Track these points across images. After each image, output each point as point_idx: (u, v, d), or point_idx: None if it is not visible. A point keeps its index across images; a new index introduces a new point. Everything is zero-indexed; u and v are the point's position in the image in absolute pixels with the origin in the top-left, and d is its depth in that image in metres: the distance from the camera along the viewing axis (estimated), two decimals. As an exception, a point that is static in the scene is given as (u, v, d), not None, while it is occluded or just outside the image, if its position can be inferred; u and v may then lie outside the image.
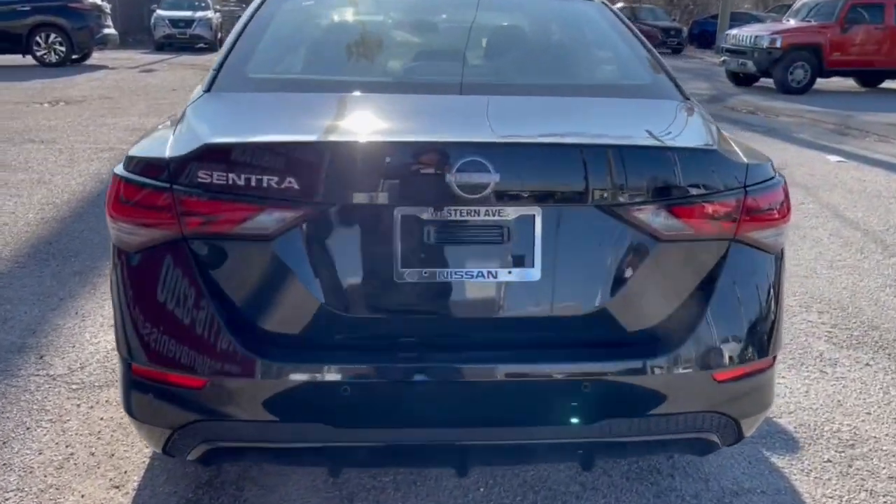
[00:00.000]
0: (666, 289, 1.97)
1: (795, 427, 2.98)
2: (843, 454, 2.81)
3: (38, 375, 3.19)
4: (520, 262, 1.90)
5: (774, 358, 2.11)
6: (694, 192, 1.93)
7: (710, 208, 1.95)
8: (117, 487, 2.51)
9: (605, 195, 1.90)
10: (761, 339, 2.04)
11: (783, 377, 3.40)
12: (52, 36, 15.57)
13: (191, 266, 1.85)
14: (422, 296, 1.89)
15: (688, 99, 2.42)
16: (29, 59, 15.75)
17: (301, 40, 2.73)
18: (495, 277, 1.90)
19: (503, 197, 1.85)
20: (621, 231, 1.92)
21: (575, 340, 1.95)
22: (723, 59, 16.51)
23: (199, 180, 1.81)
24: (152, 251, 1.88)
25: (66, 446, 2.72)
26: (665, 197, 1.92)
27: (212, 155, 1.82)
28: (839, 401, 3.21)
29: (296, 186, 1.80)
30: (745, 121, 11.34)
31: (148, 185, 1.86)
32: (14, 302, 3.92)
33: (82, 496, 2.46)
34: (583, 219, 1.92)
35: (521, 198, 1.87)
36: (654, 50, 2.66)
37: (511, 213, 1.87)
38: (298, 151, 1.83)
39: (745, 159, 2.03)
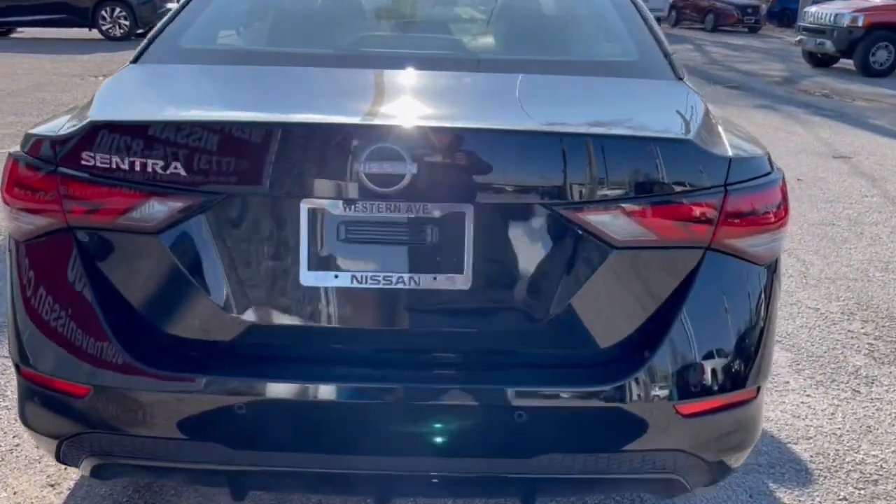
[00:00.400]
0: (622, 304, 1.67)
1: (812, 455, 2.63)
2: (862, 491, 2.45)
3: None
4: (447, 267, 1.62)
5: (759, 389, 1.78)
6: (659, 189, 1.62)
7: (678, 210, 1.63)
8: (52, 486, 2.36)
9: (549, 192, 1.61)
10: (741, 366, 1.72)
11: (808, 395, 3.02)
12: (117, 10, 15.85)
13: (76, 261, 1.64)
14: (332, 303, 1.64)
15: (680, 79, 2.08)
16: (95, 33, 16.06)
17: (249, 9, 2.49)
18: (417, 284, 1.63)
19: (425, 191, 1.58)
20: (568, 234, 1.63)
21: (510, 361, 1.68)
22: (799, 38, 15.54)
23: (84, 163, 1.60)
24: (40, 241, 1.69)
25: (14, 437, 2.60)
26: (623, 195, 1.62)
27: (97, 134, 1.60)
28: (869, 427, 2.82)
29: (186, 173, 1.57)
30: (816, 104, 10.62)
31: (35, 167, 1.66)
32: None
33: (14, 492, 2.33)
34: (522, 219, 1.64)
35: (447, 192, 1.60)
36: (654, 25, 2.31)
37: (437, 209, 1.60)
38: (190, 132, 1.59)
39: (728, 152, 1.70)
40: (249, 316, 1.63)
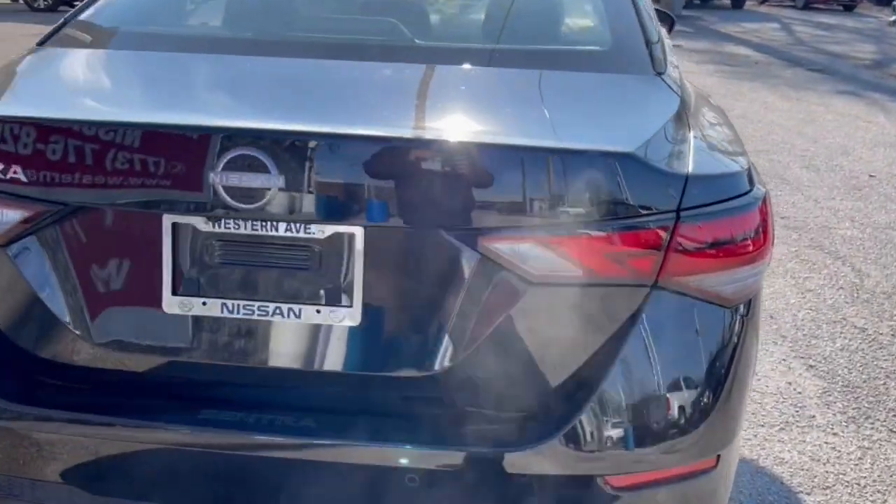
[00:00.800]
0: (542, 352, 1.37)
1: (826, 510, 2.26)
2: (879, 561, 2.09)
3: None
4: (333, 298, 1.36)
5: (719, 458, 1.45)
6: (589, 214, 1.30)
7: (613, 239, 1.31)
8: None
9: (455, 214, 1.31)
10: (694, 430, 1.39)
11: (835, 433, 2.64)
12: None
13: None
14: (198, 335, 1.40)
15: (659, 73, 1.71)
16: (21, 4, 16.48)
17: None
18: (298, 317, 1.37)
19: (303, 208, 1.31)
20: (477, 267, 1.33)
21: (404, 414, 1.40)
22: (894, 18, 14.44)
23: None
24: None
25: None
26: (544, 221, 1.31)
27: None
28: (901, 478, 2.43)
29: (35, 178, 1.35)
30: (904, 91, 9.77)
31: None
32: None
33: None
34: (422, 246, 1.36)
35: (333, 211, 1.33)
36: (644, 6, 1.95)
37: (321, 230, 1.34)
38: (42, 133, 1.36)
39: (687, 168, 1.36)
40: (106, 345, 1.41)
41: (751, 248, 1.40)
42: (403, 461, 1.35)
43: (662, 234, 1.32)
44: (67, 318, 1.40)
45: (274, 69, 1.73)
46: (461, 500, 1.36)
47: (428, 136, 1.39)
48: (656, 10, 3.12)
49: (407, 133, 1.40)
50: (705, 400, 1.39)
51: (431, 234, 1.33)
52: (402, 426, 1.38)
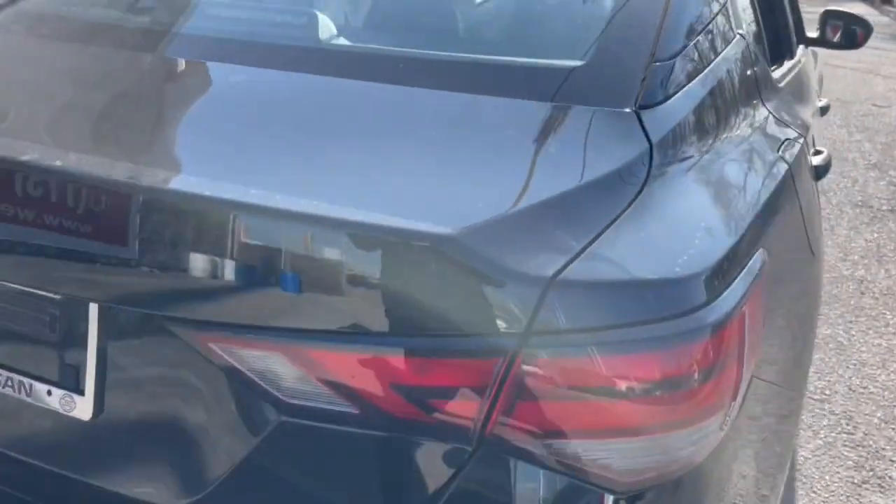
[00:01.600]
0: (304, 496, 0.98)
1: None
2: None
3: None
4: (66, 379, 1.06)
5: None
6: (379, 324, 0.90)
7: (414, 366, 0.90)
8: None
9: (199, 304, 0.98)
10: None
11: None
12: None
13: None
14: None
15: (640, 108, 1.14)
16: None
17: None
18: (29, 395, 1.07)
19: (35, 262, 1.04)
20: (221, 376, 0.97)
21: None
22: None
23: None
24: None
25: None
26: (305, 323, 0.93)
27: None
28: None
29: None
30: None
31: None
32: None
33: None
34: (163, 337, 1.00)
35: (66, 271, 1.04)
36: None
37: (56, 291, 1.05)
38: None
39: (558, 271, 0.87)
40: None
41: (669, 400, 0.88)
42: None
43: (494, 366, 0.87)
44: None
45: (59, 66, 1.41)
46: None
47: (185, 187, 1.00)
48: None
49: (152, 178, 1.01)
50: None
51: (171, 325, 0.99)
52: None
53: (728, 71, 1.35)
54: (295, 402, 0.92)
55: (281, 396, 0.93)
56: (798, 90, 1.94)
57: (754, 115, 1.38)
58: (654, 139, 1.09)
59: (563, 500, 0.89)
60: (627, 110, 1.13)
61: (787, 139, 1.44)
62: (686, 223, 1.02)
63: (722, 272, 0.94)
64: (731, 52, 1.40)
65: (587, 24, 1.40)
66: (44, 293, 1.05)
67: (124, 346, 1.04)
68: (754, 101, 1.42)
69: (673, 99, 1.18)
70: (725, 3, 1.45)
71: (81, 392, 1.05)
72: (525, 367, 0.85)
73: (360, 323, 0.89)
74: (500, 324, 0.86)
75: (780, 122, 1.50)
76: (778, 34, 2.11)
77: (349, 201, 0.92)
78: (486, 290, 0.86)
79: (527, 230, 0.91)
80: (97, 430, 1.05)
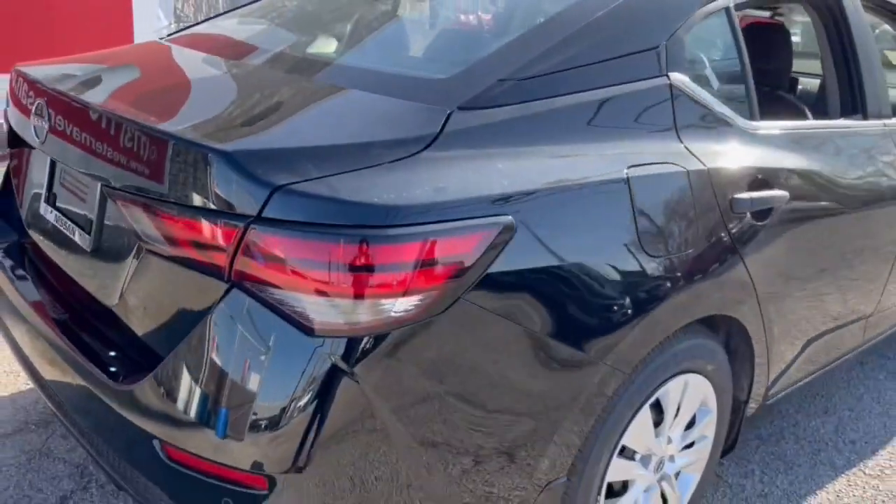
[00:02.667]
0: (152, 312, 1.52)
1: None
2: None
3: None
4: (85, 225, 1.68)
5: (273, 482, 1.32)
6: (186, 198, 1.36)
7: (195, 226, 1.36)
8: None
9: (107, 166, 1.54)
10: (235, 438, 1.31)
11: None
12: None
13: None
14: None
15: (463, 109, 1.48)
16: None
17: None
18: (72, 233, 1.74)
19: None
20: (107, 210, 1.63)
21: None
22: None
23: None
24: None
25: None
26: (155, 192, 1.41)
27: None
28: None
29: None
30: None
31: None
32: None
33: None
34: (118, 205, 1.53)
35: (91, 163, 1.62)
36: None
37: (89, 172, 1.63)
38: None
39: (283, 181, 1.27)
40: None
41: (338, 281, 1.26)
42: None
43: (234, 234, 1.29)
44: None
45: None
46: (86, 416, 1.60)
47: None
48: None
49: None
50: (248, 414, 1.31)
51: (118, 196, 1.51)
52: None
53: (593, 98, 1.62)
54: (149, 246, 1.45)
55: (143, 238, 1.45)
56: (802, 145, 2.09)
57: (611, 141, 1.62)
58: (448, 129, 1.43)
59: (270, 327, 1.30)
60: (446, 109, 1.47)
61: (631, 165, 1.59)
62: (417, 186, 1.33)
63: (407, 214, 1.28)
64: (620, 89, 1.67)
65: (470, 54, 1.84)
66: (84, 173, 1.62)
67: (109, 212, 1.59)
68: (625, 131, 1.66)
69: (498, 109, 1.50)
70: (629, 51, 1.72)
71: (89, 233, 1.65)
72: (252, 237, 1.28)
73: (171, 195, 1.38)
74: (245, 207, 1.28)
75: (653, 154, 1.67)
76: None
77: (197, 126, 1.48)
78: (237, 184, 1.29)
79: (293, 157, 1.34)
80: (92, 256, 1.65)
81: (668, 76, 1.76)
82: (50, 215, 1.84)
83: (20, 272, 1.91)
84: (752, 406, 2.17)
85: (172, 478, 1.40)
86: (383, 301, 1.28)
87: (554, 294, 1.45)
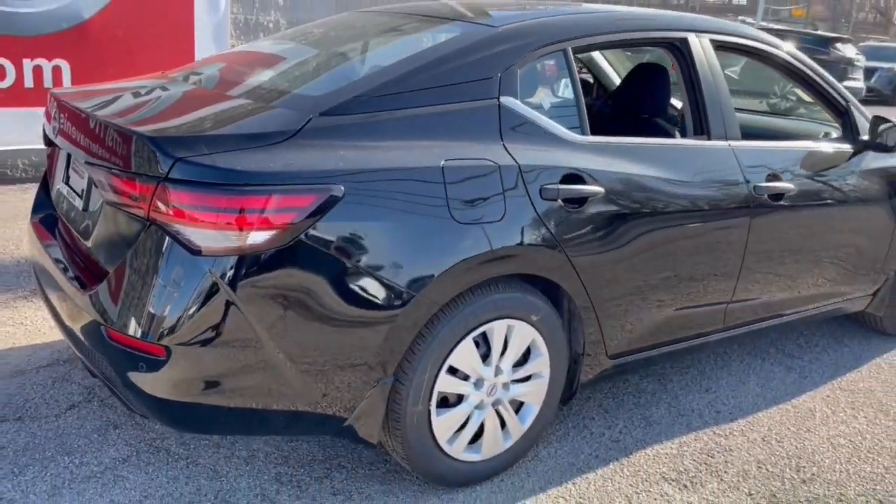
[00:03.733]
0: (101, 239, 2.28)
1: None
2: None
3: None
4: (81, 191, 2.45)
5: (169, 351, 2.02)
6: (125, 164, 2.10)
7: (127, 182, 2.08)
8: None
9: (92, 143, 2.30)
10: (148, 323, 2.03)
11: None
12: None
13: None
14: None
15: (310, 115, 2.19)
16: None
17: None
18: (73, 198, 2.59)
19: None
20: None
21: None
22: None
23: None
24: None
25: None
26: (111, 160, 2.16)
27: None
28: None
29: None
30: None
31: None
32: None
33: None
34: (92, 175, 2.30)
35: (87, 145, 2.34)
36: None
37: (85, 152, 2.35)
38: None
39: (182, 154, 2.00)
40: None
41: (215, 220, 1.96)
42: None
43: (151, 189, 2.00)
44: None
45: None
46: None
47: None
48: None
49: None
50: (155, 305, 2.01)
51: (96, 170, 2.26)
52: None
53: (431, 112, 2.33)
54: (106, 199, 2.19)
55: (103, 194, 2.19)
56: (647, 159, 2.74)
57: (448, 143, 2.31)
58: (307, 128, 2.14)
59: (172, 249, 2.01)
60: (310, 114, 2.18)
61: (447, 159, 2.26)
62: (273, 161, 2.03)
63: (261, 177, 1.99)
64: (456, 105, 2.36)
65: (345, 80, 2.56)
66: (83, 154, 2.32)
67: (91, 181, 2.34)
68: (460, 136, 2.34)
69: (349, 116, 2.21)
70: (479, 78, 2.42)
71: (82, 198, 2.42)
72: (160, 191, 1.99)
73: (117, 163, 2.13)
74: (158, 171, 2.00)
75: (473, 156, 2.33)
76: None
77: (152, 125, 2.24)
78: (153, 155, 2.01)
79: (194, 140, 2.07)
80: (83, 213, 2.39)
81: (498, 98, 2.43)
82: (64, 190, 2.61)
83: (49, 238, 2.70)
84: (594, 361, 2.73)
85: (111, 351, 2.12)
86: (244, 233, 1.98)
87: (375, 241, 2.11)
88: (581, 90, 2.67)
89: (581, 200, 2.49)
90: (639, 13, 3.12)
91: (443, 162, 2.24)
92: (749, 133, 3.21)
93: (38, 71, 5.78)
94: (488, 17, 2.75)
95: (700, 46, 2.98)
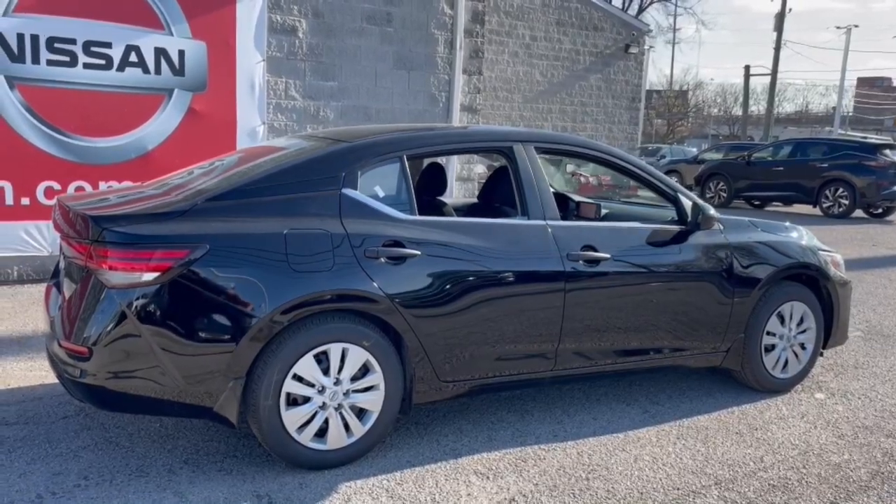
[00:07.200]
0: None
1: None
2: None
3: None
4: None
5: (91, 351, 3.14)
6: (84, 233, 3.25)
7: (91, 249, 3.19)
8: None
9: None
10: (80, 329, 3.18)
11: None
12: (840, 190, 16.49)
13: None
14: None
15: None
16: (815, 210, 17.04)
17: None
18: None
19: None
20: None
21: None
22: None
23: None
24: None
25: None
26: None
27: None
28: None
29: None
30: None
31: None
32: None
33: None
34: None
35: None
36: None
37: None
38: None
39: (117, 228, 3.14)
40: None
41: (123, 266, 3.10)
42: None
43: (87, 248, 3.16)
44: None
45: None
46: None
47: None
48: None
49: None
50: (84, 322, 3.17)
51: None
52: None
53: (286, 198, 3.45)
54: (72, 260, 3.49)
55: (69, 258, 3.52)
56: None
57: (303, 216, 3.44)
58: (194, 210, 3.29)
59: (98, 289, 3.21)
60: (197, 200, 3.37)
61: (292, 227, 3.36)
62: (162, 229, 3.20)
63: (152, 239, 3.18)
64: (305, 195, 3.49)
65: (227, 179, 3.65)
66: (62, 233, 3.48)
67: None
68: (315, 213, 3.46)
69: (225, 201, 3.38)
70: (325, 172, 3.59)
71: (66, 266, 3.54)
72: (91, 249, 3.19)
73: (75, 235, 3.22)
74: (92, 236, 3.20)
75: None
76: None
77: None
78: (90, 226, 3.22)
79: (118, 216, 3.31)
80: (63, 272, 3.56)
81: (341, 190, 3.53)
82: (62, 262, 3.80)
83: (52, 290, 3.92)
84: (427, 385, 3.63)
85: (64, 355, 3.29)
86: (137, 274, 3.13)
87: (230, 282, 3.20)
88: (412, 184, 3.75)
89: (401, 259, 3.50)
90: (475, 130, 4.26)
91: (286, 230, 3.34)
92: (611, 216, 4.28)
93: (109, 190, 7.42)
94: (355, 138, 3.90)
95: (524, 152, 4.01)
